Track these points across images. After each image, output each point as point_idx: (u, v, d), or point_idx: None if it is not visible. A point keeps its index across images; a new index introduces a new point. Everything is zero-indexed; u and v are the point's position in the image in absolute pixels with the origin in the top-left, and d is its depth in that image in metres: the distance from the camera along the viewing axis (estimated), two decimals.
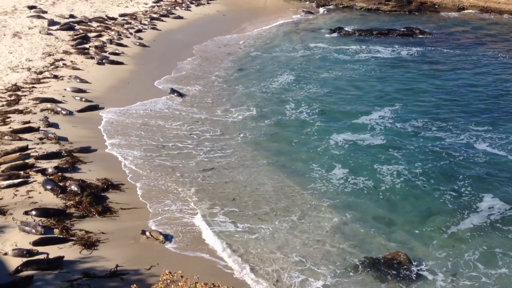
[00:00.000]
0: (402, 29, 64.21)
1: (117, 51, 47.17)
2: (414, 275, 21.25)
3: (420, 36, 62.30)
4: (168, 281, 14.33)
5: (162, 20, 61.03)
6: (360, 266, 21.58)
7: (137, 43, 50.68)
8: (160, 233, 22.34)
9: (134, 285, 15.05)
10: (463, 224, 24.51)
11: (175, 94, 39.46)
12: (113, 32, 53.05)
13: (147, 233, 22.21)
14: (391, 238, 23.74)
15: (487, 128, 35.33)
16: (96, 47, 47.42)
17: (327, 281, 20.72)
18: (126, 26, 56.11)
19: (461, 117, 37.23)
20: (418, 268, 21.69)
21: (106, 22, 57.12)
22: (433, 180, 28.24)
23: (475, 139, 33.46)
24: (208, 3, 72.80)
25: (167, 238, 22.37)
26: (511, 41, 60.93)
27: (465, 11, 78.37)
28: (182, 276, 14.51)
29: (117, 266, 19.97)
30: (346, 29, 64.14)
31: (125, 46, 49.50)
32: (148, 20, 59.73)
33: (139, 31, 54.90)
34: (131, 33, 53.53)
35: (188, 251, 21.89)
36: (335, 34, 62.29)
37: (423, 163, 30.00)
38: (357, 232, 24.09)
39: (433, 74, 47.79)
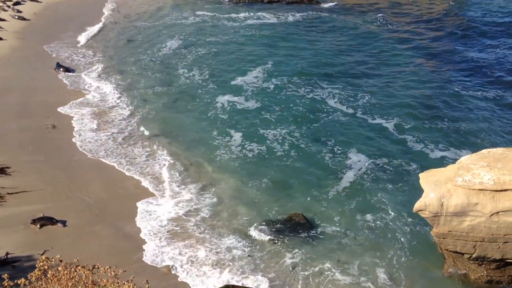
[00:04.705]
0: None
1: None
2: (311, 232, 22.26)
3: (307, 3, 63.58)
4: (46, 267, 13.70)
5: None
6: (260, 230, 22.19)
7: (16, 17, 47.68)
8: (53, 220, 21.40)
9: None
10: (343, 180, 26.10)
11: (61, 69, 37.77)
12: None
13: (38, 224, 21.10)
14: (287, 200, 24.61)
15: (343, 87, 37.38)
16: None
17: (229, 247, 21.13)
18: None
19: (324, 77, 39.30)
20: (314, 225, 22.77)
21: None
22: (312, 142, 29.68)
23: (335, 98, 35.50)
24: None
25: (62, 222, 21.54)
26: (393, 10, 63.08)
27: None
28: (61, 261, 13.92)
29: (7, 253, 19.05)
30: None
31: (3, 20, 46.38)
32: None
33: (17, 3, 51.65)
34: (8, 6, 50.22)
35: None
36: (226, 2, 62.30)
37: (298, 125, 31.50)
38: (256, 197, 24.68)
39: (310, 37, 49.67)
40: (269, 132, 30.60)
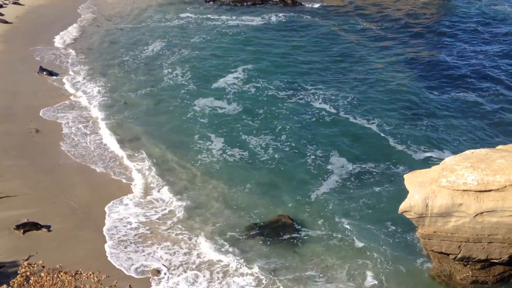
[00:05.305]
0: None
1: None
2: (298, 235, 22.30)
3: (291, 5, 63.64)
4: (28, 273, 13.61)
5: None
6: (249, 233, 22.22)
7: None
8: (37, 225, 21.22)
9: None
10: (327, 183, 26.10)
11: (45, 72, 37.47)
12: None
13: (22, 230, 20.90)
14: (274, 202, 24.59)
15: (324, 88, 37.35)
16: None
17: (209, 251, 21.03)
18: None
19: (305, 79, 39.25)
20: (301, 227, 22.77)
21: None
22: (295, 145, 29.62)
23: (317, 99, 35.53)
24: None
25: (46, 227, 21.37)
26: (375, 14, 63.27)
27: None
28: (43, 267, 13.83)
29: None
30: None
31: None
32: None
33: None
34: None
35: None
36: (209, 5, 62.24)
37: (281, 129, 31.35)
38: (244, 200, 24.61)
39: (292, 39, 49.64)
40: (251, 136, 30.47)
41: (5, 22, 47.09)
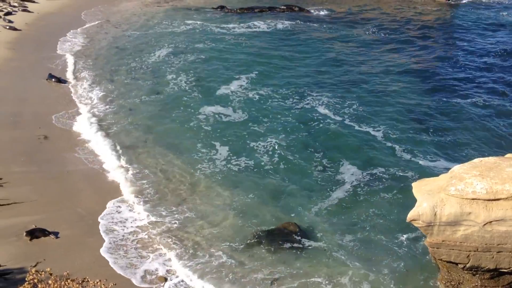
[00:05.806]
0: (282, 6, 65.51)
1: None
2: (303, 242, 22.21)
3: (298, 12, 63.88)
4: (35, 280, 13.66)
5: (33, 1, 57.70)
6: (253, 240, 22.15)
7: (7, 27, 47.46)
8: (45, 231, 21.25)
9: None
10: (334, 192, 25.91)
11: (54, 80, 37.65)
12: None
13: (29, 236, 20.90)
14: (279, 210, 24.49)
15: (331, 95, 37.29)
16: None
17: (221, 260, 20.97)
18: None
19: (311, 86, 39.19)
20: (306, 235, 22.66)
21: None
22: (301, 154, 29.44)
23: (322, 107, 35.44)
24: None
25: (54, 233, 21.41)
26: (381, 20, 63.28)
27: None
28: (51, 274, 13.87)
29: None
30: (228, 7, 64.51)
31: None
32: (18, 1, 56.15)
33: (8, 13, 51.44)
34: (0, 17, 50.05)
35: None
36: (217, 11, 62.56)
37: (287, 136, 31.27)
38: (248, 208, 24.52)
39: (298, 46, 49.83)
40: (257, 143, 30.35)
41: (15, 29, 47.37)
